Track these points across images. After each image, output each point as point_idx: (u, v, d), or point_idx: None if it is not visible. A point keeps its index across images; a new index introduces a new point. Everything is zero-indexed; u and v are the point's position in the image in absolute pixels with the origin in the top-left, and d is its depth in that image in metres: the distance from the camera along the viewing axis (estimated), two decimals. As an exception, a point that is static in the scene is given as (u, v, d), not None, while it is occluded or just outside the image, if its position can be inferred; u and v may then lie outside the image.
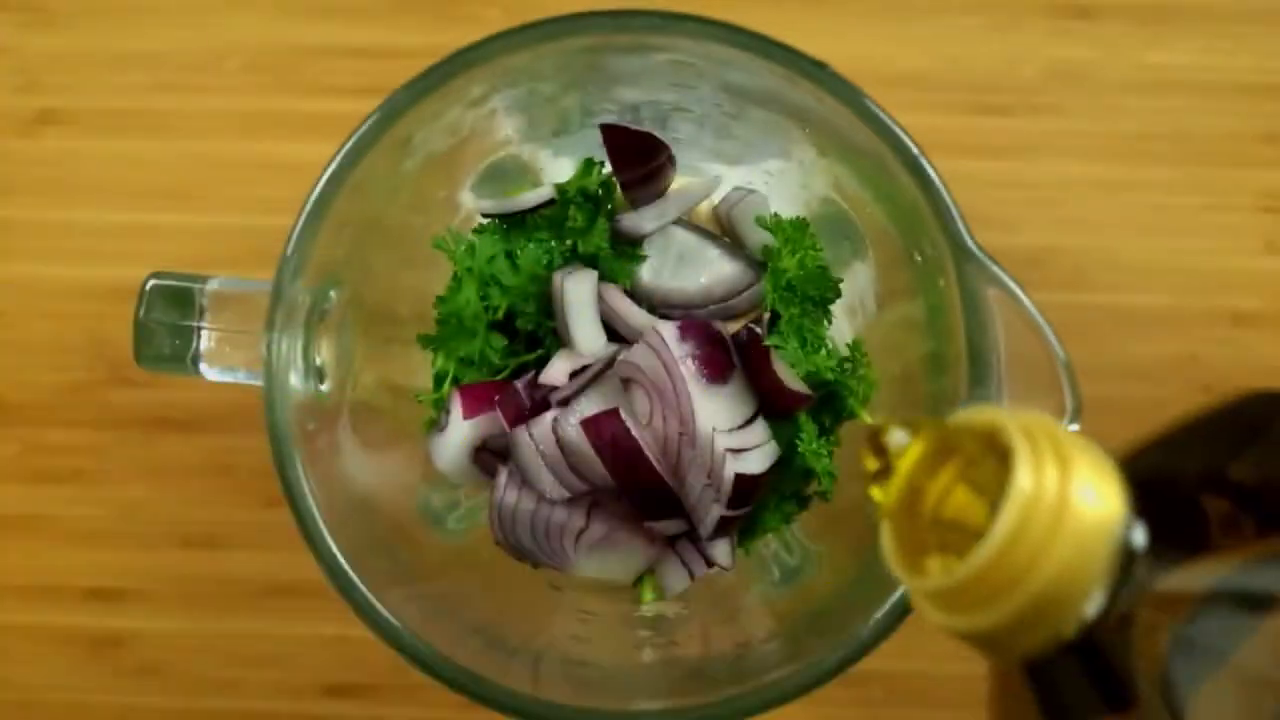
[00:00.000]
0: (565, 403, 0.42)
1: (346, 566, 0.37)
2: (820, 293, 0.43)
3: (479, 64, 0.38)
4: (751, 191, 0.46)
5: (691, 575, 0.44)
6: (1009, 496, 0.23)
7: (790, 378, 0.42)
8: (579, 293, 0.44)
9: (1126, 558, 0.24)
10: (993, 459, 0.25)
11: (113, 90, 0.57)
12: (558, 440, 0.42)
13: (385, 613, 0.37)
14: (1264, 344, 0.55)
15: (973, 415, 0.26)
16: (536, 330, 0.45)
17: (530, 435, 0.42)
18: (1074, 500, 0.23)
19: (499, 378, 0.45)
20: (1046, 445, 0.24)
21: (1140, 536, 0.24)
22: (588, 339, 0.44)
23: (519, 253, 0.44)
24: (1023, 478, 0.23)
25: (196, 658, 0.55)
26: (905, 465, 0.26)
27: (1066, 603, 0.23)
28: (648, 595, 0.45)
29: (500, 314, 0.44)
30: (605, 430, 0.41)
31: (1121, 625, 0.24)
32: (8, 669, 0.56)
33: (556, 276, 0.44)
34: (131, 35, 0.57)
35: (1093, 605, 0.23)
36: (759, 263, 0.46)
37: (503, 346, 0.44)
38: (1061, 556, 0.23)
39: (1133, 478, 0.24)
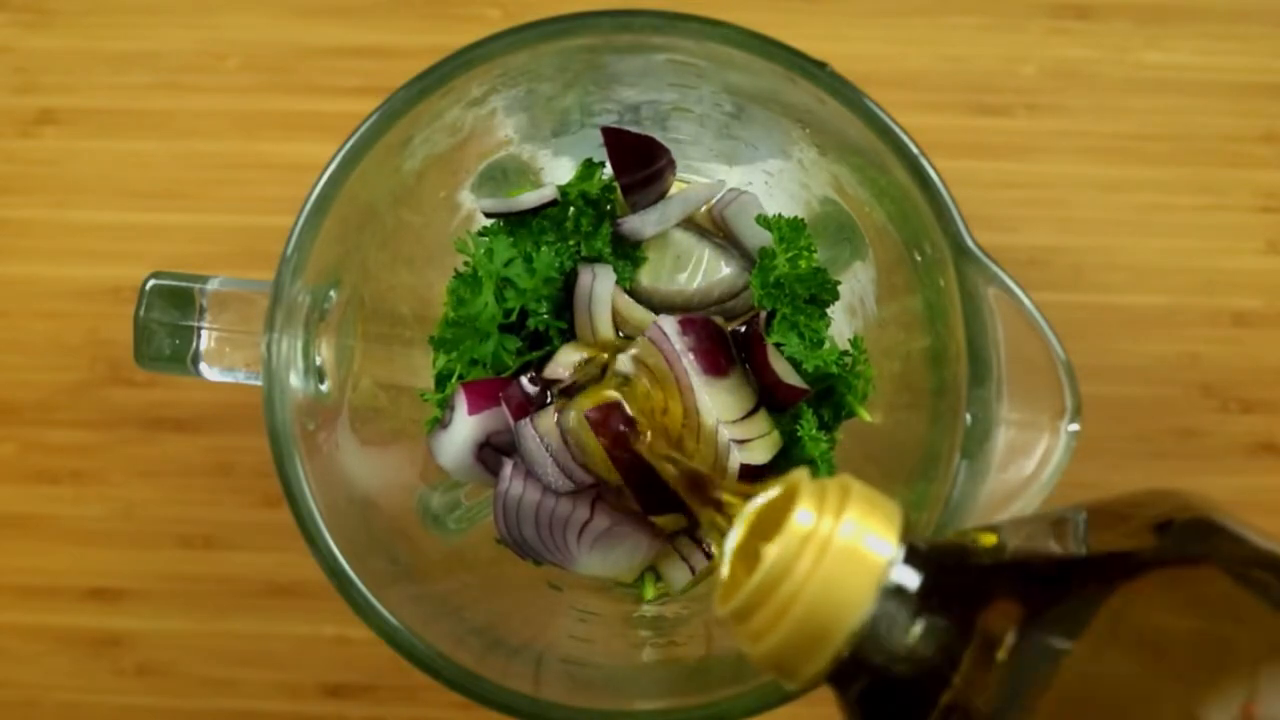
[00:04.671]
0: (569, 394, 0.43)
1: (346, 566, 0.37)
2: (810, 291, 0.43)
3: (479, 64, 0.38)
4: (744, 192, 0.46)
5: (692, 571, 0.45)
6: (783, 530, 0.27)
7: (786, 372, 0.43)
8: (603, 288, 0.44)
9: (891, 597, 0.26)
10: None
11: (113, 90, 0.57)
12: (561, 431, 0.42)
13: (385, 613, 0.37)
14: (1264, 344, 0.55)
15: (779, 484, 0.29)
16: (545, 329, 0.45)
17: (534, 427, 0.42)
18: (838, 539, 0.26)
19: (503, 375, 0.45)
20: (833, 496, 0.27)
21: (909, 579, 0.27)
22: (607, 333, 0.45)
23: (535, 255, 0.44)
24: (797, 516, 0.27)
25: (196, 658, 0.55)
26: (746, 524, 0.29)
27: (831, 628, 0.26)
28: (649, 593, 0.45)
29: (514, 316, 0.44)
30: (609, 422, 0.41)
31: (902, 661, 0.26)
32: (8, 669, 0.56)
33: (583, 272, 0.44)
34: (131, 35, 0.57)
35: (854, 635, 0.26)
36: (756, 263, 0.46)
37: (516, 348, 0.44)
38: (822, 584, 0.26)
39: (945, 542, 0.28)
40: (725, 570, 0.29)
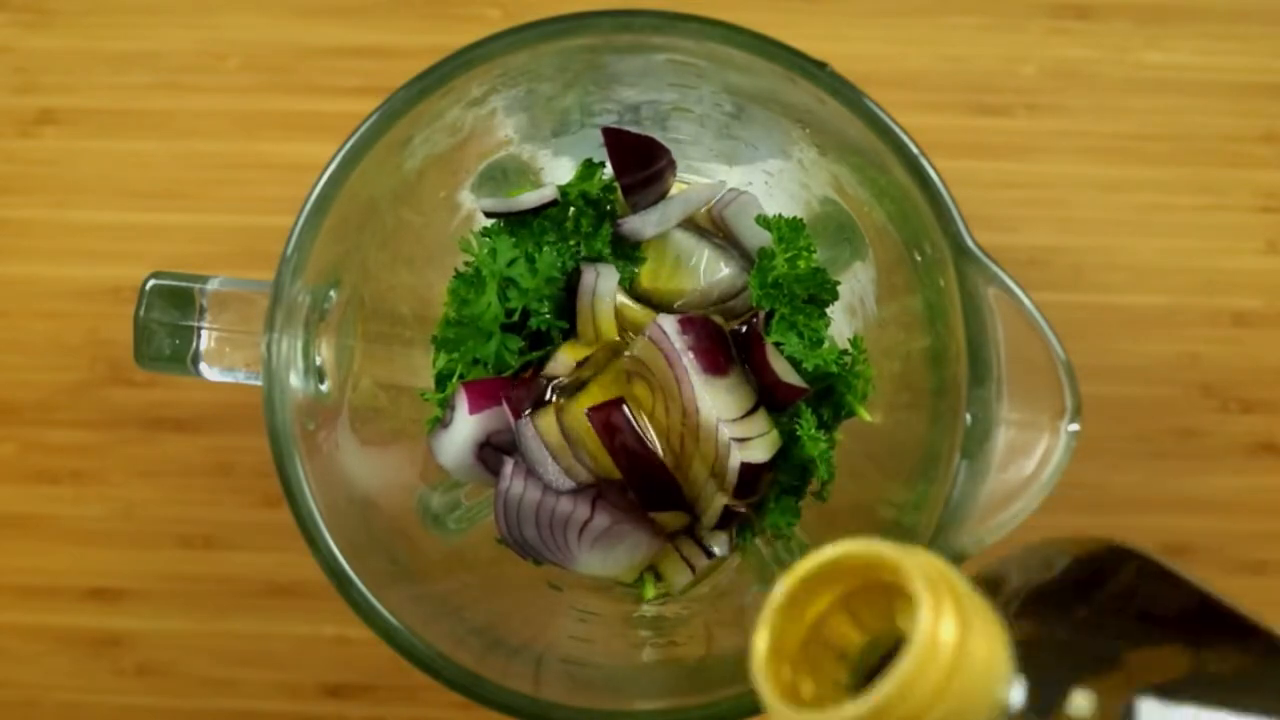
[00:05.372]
0: (568, 392, 0.43)
1: (346, 566, 0.37)
2: (809, 291, 0.44)
3: (479, 64, 0.38)
4: (744, 192, 0.46)
5: (693, 569, 0.45)
6: (911, 643, 0.22)
7: (785, 371, 0.43)
8: (606, 287, 0.44)
9: (1006, 717, 0.24)
10: (877, 592, 0.25)
11: (113, 90, 0.57)
12: (562, 429, 0.42)
13: (385, 613, 0.37)
14: (1264, 344, 0.55)
15: (864, 547, 0.25)
16: (546, 329, 0.45)
17: (535, 425, 0.42)
18: (969, 657, 0.23)
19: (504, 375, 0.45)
20: (947, 595, 0.23)
21: (1018, 696, 0.24)
22: (609, 332, 0.45)
23: (537, 255, 0.44)
24: (925, 627, 0.22)
25: (196, 658, 0.55)
26: (791, 582, 0.26)
27: None
28: (649, 592, 0.45)
29: (516, 315, 0.44)
30: (610, 419, 0.41)
31: None
32: (8, 669, 0.56)
33: (586, 271, 0.44)
34: (131, 35, 0.57)
35: None
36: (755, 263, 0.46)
37: (518, 348, 0.45)
38: (949, 711, 0.22)
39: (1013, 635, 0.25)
40: (765, 633, 0.25)
